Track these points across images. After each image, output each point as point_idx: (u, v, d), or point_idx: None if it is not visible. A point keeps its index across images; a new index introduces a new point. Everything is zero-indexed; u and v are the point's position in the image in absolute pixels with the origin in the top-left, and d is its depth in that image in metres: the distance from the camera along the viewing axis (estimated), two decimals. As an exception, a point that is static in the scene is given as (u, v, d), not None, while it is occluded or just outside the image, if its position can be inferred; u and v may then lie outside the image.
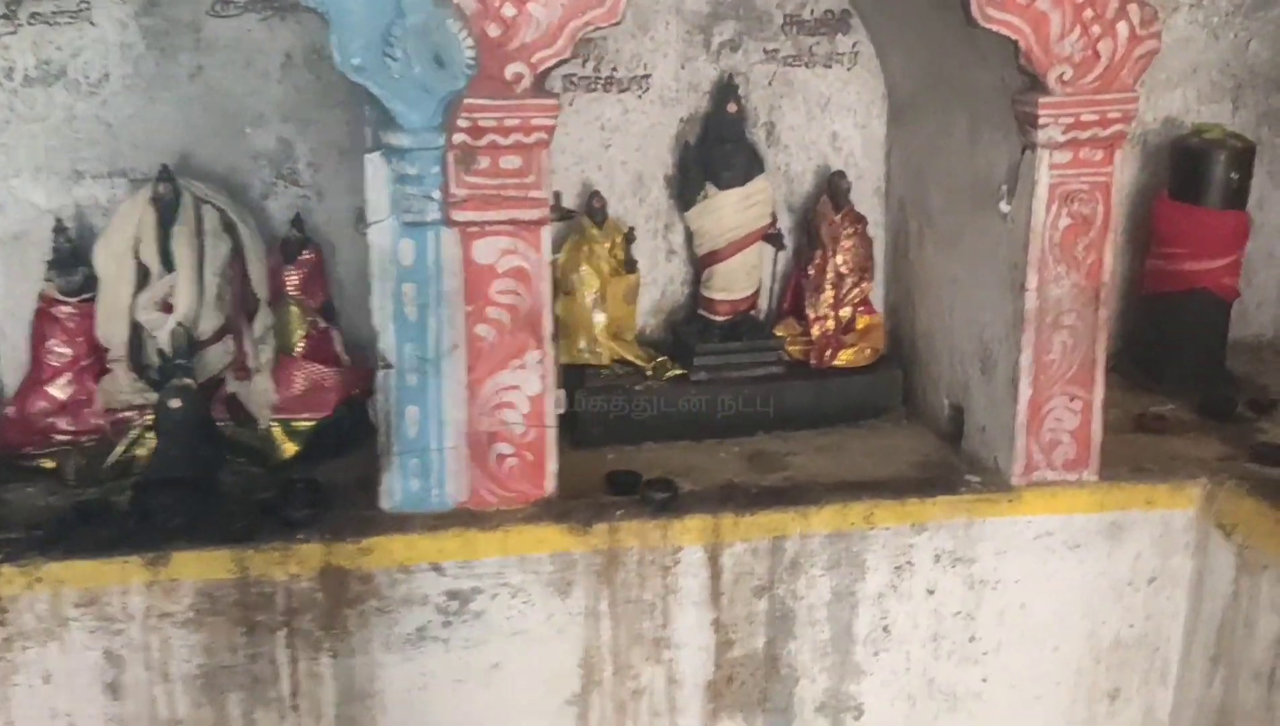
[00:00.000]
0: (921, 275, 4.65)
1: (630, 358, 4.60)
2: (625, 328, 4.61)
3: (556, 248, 4.20)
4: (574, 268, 4.51)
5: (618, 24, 3.32)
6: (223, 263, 4.10)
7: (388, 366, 3.46)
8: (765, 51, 4.71)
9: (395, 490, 3.61)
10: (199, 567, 3.40)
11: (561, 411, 3.78)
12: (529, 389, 3.58)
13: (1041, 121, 3.57)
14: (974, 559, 3.93)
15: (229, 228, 4.13)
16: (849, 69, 4.78)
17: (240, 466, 4.07)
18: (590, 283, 4.50)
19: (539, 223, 3.46)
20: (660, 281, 4.92)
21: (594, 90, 4.64)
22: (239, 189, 4.36)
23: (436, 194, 3.37)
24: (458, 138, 3.32)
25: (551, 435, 3.66)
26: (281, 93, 4.34)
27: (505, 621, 3.63)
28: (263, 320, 4.18)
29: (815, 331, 4.68)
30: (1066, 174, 3.66)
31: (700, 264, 4.73)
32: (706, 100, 4.68)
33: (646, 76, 4.67)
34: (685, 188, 4.62)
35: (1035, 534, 3.96)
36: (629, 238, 4.58)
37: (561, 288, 4.52)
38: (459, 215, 3.39)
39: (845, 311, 4.74)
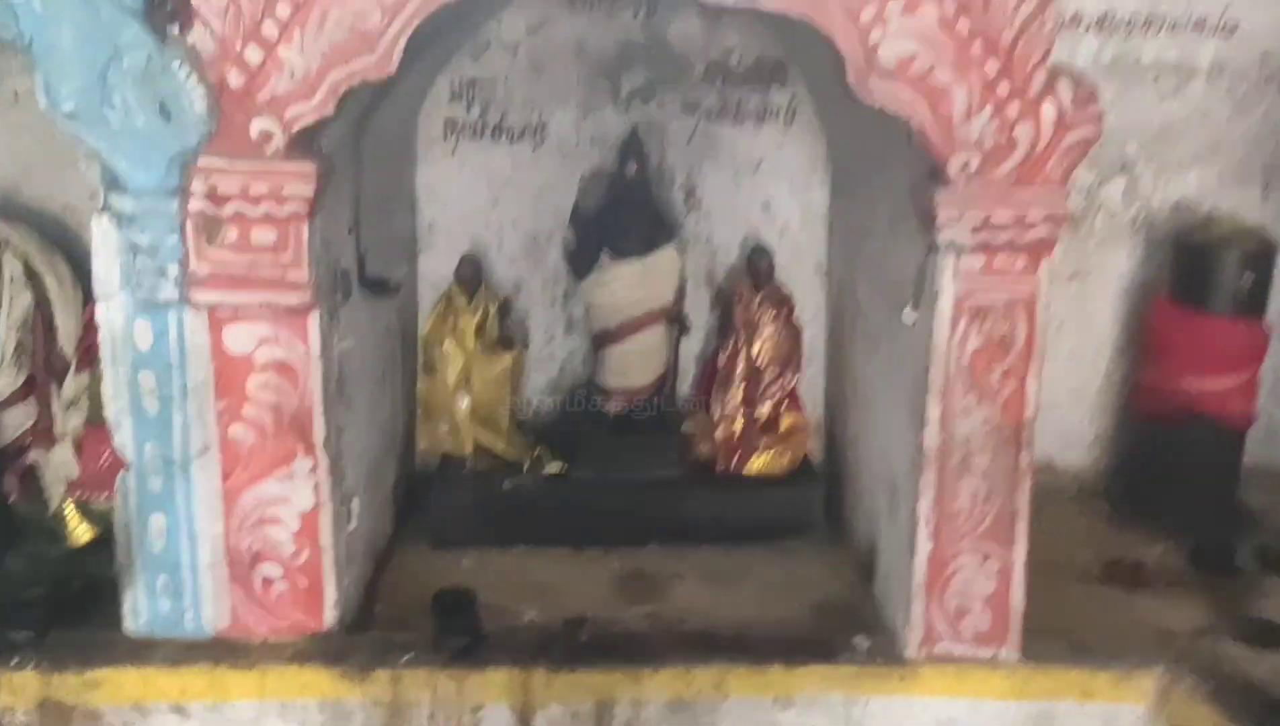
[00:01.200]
0: (851, 373, 3.91)
1: (498, 449, 3.96)
2: (497, 412, 3.97)
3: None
4: (437, 341, 3.90)
5: (392, 76, 2.69)
6: (23, 315, 3.61)
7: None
8: (684, 103, 4.03)
9: (141, 610, 3.06)
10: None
11: (352, 527, 3.17)
12: (299, 503, 2.99)
13: (941, 219, 2.83)
14: (854, 746, 3.19)
15: (32, 277, 3.63)
16: (785, 127, 4.06)
17: (32, 550, 3.59)
18: (454, 360, 3.88)
19: (303, 309, 2.85)
20: (558, 357, 4.28)
21: (479, 138, 4.02)
22: (70, 231, 3.86)
23: (174, 269, 2.80)
24: (195, 204, 2.74)
25: (330, 558, 3.05)
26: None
27: (264, 782, 3.04)
28: (73, 383, 3.68)
29: (720, 433, 3.98)
30: (977, 284, 2.90)
31: (594, 344, 4.07)
32: (613, 155, 4.01)
33: (542, 126, 4.03)
34: (579, 256, 3.96)
35: (935, 721, 3.19)
36: (503, 310, 3.94)
37: (425, 364, 3.93)
38: (201, 295, 2.81)
39: (764, 409, 4.02)
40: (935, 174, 2.85)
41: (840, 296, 4.04)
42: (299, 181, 2.74)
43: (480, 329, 3.91)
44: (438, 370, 3.89)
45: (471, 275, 3.89)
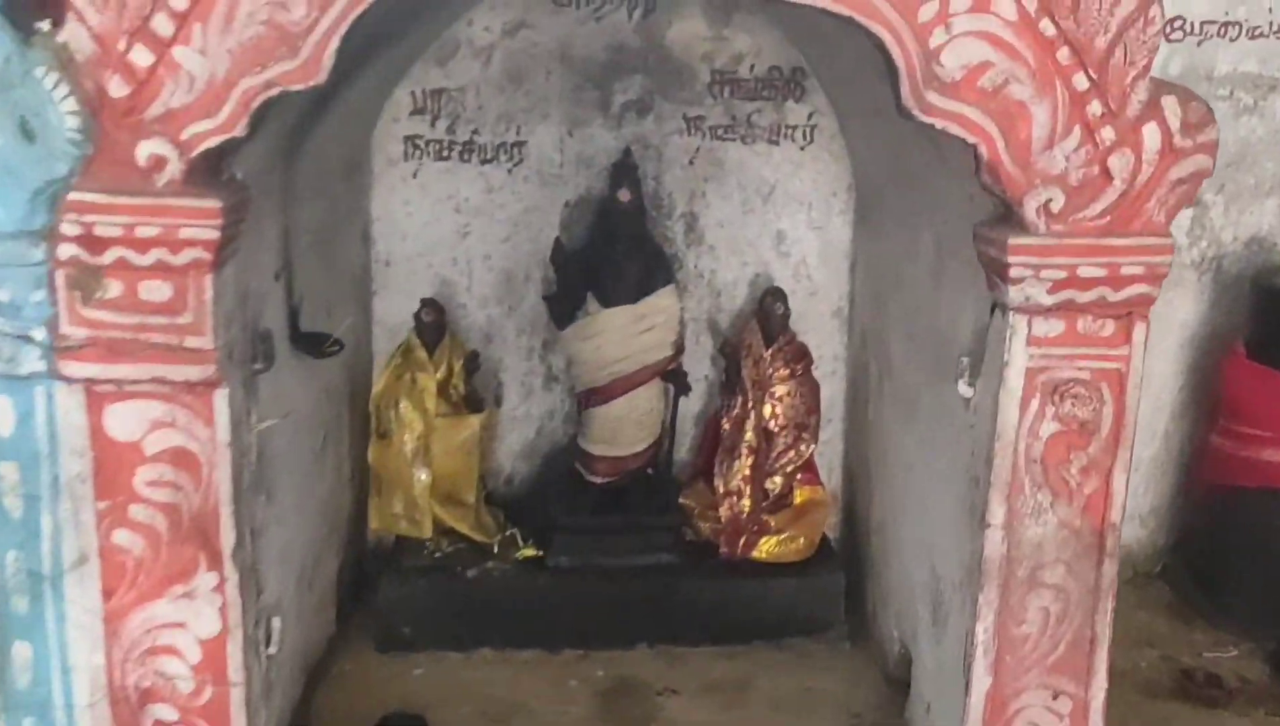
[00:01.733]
0: (879, 442, 3.32)
1: (464, 530, 3.35)
2: (462, 486, 3.37)
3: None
4: (391, 403, 3.29)
5: (319, 85, 2.09)
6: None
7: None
8: (686, 119, 3.44)
9: (5, 756, 2.42)
10: None
11: (271, 651, 2.56)
12: (200, 628, 2.38)
13: (1014, 272, 2.23)
14: None
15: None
16: (802, 147, 3.48)
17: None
18: (410, 425, 3.27)
19: (208, 384, 2.24)
20: (536, 416, 3.67)
21: (446, 158, 3.43)
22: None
23: (40, 333, 2.19)
24: (66, 251, 2.13)
25: (240, 696, 2.43)
26: None
27: None
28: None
29: (724, 510, 3.37)
30: (1055, 354, 2.32)
31: (578, 403, 3.47)
32: (602, 180, 3.42)
33: (520, 144, 3.43)
34: (560, 300, 3.36)
35: None
36: (470, 365, 3.33)
37: (377, 428, 3.32)
38: (76, 367, 2.21)
39: (775, 482, 3.42)
40: (1007, 215, 2.26)
41: (865, 347, 3.45)
42: (200, 221, 2.13)
43: (443, 387, 3.30)
44: (392, 436, 3.28)
45: (433, 322, 3.28)
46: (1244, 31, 3.51)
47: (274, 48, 2.05)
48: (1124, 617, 3.45)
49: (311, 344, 2.79)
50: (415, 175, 3.42)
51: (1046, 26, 2.11)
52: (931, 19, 2.10)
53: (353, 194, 3.28)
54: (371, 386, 3.36)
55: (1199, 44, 3.50)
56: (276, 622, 2.59)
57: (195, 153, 2.10)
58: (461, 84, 3.35)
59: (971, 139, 2.17)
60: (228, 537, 2.35)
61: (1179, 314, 3.65)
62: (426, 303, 3.28)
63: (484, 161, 3.43)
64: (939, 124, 2.16)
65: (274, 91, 2.07)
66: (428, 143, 3.40)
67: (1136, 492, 3.75)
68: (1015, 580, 2.42)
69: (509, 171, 3.45)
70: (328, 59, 2.06)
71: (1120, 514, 2.41)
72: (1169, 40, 3.46)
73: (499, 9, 3.29)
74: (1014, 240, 2.22)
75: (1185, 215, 3.62)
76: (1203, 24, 3.50)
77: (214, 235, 2.14)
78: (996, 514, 2.40)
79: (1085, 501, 2.39)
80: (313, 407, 2.98)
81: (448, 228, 3.47)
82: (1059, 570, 2.43)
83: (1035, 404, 2.34)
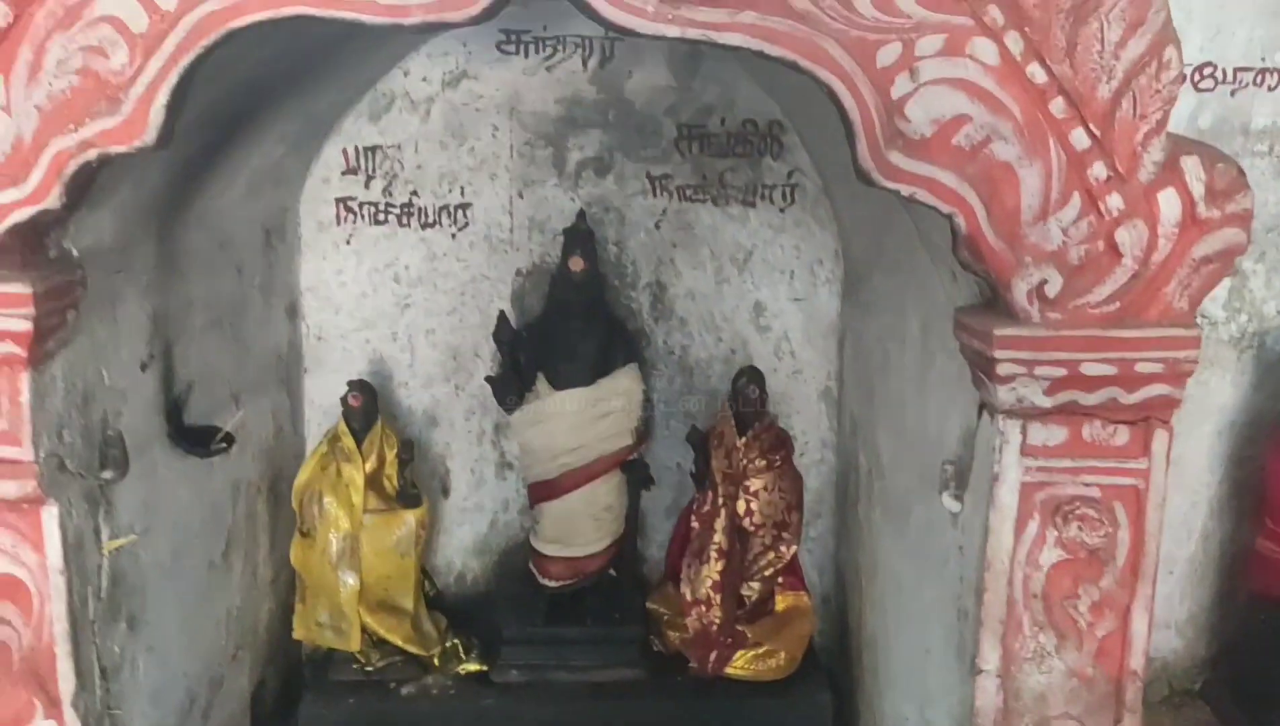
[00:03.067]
0: (870, 547, 2.89)
1: (397, 641, 2.95)
2: (396, 591, 2.97)
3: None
4: (314, 499, 2.91)
5: (151, 148, 1.73)
6: None
7: None
8: (650, 177, 3.08)
9: None
10: None
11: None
12: (34, 786, 1.98)
13: (1002, 369, 1.82)
14: None
15: None
16: (782, 209, 3.10)
17: None
18: (335, 522, 2.89)
19: (32, 501, 1.87)
20: (488, 507, 3.29)
21: (383, 222, 3.08)
22: None
23: None
24: None
25: None
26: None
27: None
28: None
29: (693, 621, 2.95)
30: (1056, 467, 1.90)
31: (529, 496, 3.08)
32: (558, 246, 3.05)
33: (464, 206, 3.08)
34: (506, 381, 2.98)
35: None
36: (404, 454, 2.95)
37: (300, 526, 2.94)
38: None
39: (751, 587, 3.01)
40: (993, 300, 1.85)
41: (855, 435, 3.04)
42: (8, 309, 1.77)
43: (374, 479, 2.92)
44: (315, 535, 2.90)
45: (362, 407, 2.90)
46: (1287, 76, 3.09)
47: (91, 102, 1.71)
48: (1159, 740, 3.00)
49: (199, 441, 2.43)
50: (349, 241, 3.08)
51: (1036, 72, 1.72)
52: (893, 64, 1.71)
53: (273, 263, 2.93)
54: (297, 477, 2.98)
55: (1233, 93, 3.06)
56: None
57: (1, 228, 1.75)
58: (398, 140, 3.01)
59: (945, 208, 1.77)
60: (66, 681, 1.98)
61: (1216, 397, 3.19)
62: (353, 385, 2.91)
63: (425, 225, 3.08)
64: (905, 190, 1.76)
65: (91, 154, 1.72)
66: (362, 205, 3.06)
67: (1172, 599, 3.29)
68: (1013, 739, 1.99)
69: (453, 236, 3.09)
70: (156, 115, 1.71)
71: (1142, 660, 1.97)
72: (1198, 89, 3.04)
73: (436, 58, 2.95)
74: (1000, 331, 1.81)
75: (1222, 286, 3.17)
76: (1237, 71, 3.07)
77: (26, 326, 1.78)
78: (989, 658, 1.97)
79: (1098, 645, 1.96)
80: (211, 510, 2.61)
81: (386, 299, 3.12)
82: (1068, 727, 1.99)
83: (1034, 526, 1.92)
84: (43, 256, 1.86)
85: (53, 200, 1.74)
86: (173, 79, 1.71)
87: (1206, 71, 3.06)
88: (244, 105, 2.28)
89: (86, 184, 1.78)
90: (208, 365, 2.55)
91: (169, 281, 2.34)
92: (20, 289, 1.76)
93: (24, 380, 1.83)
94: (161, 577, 2.32)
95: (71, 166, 1.73)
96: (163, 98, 1.71)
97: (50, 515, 1.91)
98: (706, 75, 3.00)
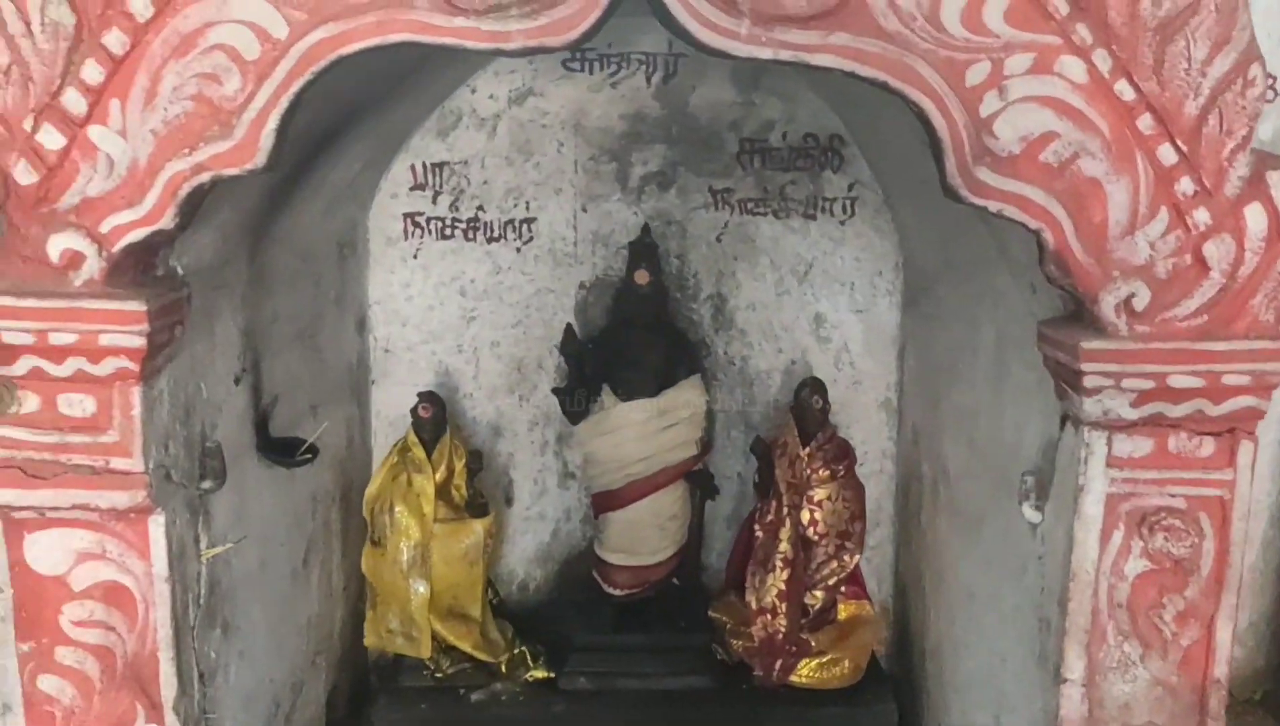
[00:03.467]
0: (935, 556, 2.92)
1: (467, 648, 3.00)
2: (465, 599, 3.02)
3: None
4: (385, 508, 2.96)
5: (261, 171, 1.79)
6: None
7: None
8: (713, 191, 3.12)
9: None
10: None
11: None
12: (137, 789, 2.04)
13: (1089, 382, 1.86)
14: None
15: None
16: (842, 222, 3.13)
17: None
18: (406, 531, 2.94)
19: (140, 510, 1.93)
20: (550, 516, 3.34)
21: (449, 236, 3.13)
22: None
23: (-52, 454, 1.90)
24: (-28, 361, 1.85)
25: None
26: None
27: None
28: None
29: (757, 630, 2.98)
30: (1142, 478, 1.93)
31: (593, 506, 3.12)
32: (621, 259, 3.10)
33: (529, 221, 3.13)
34: (572, 393, 3.02)
35: None
36: (473, 465, 3.00)
37: (371, 535, 2.99)
38: (-14, 493, 1.91)
39: (815, 596, 3.04)
40: (1078, 313, 1.88)
41: (917, 445, 3.07)
42: (123, 326, 1.83)
43: (443, 489, 2.97)
44: (386, 544, 2.95)
45: (431, 418, 2.95)
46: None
47: (204, 127, 1.77)
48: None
49: (284, 452, 2.48)
50: (416, 255, 3.13)
51: (1124, 89, 1.76)
52: (982, 82, 1.75)
53: (346, 278, 2.99)
54: (367, 486, 3.04)
55: (1294, 104, 3.09)
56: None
57: (117, 247, 1.81)
58: (465, 156, 3.06)
59: (1033, 224, 1.80)
60: (168, 686, 2.04)
61: (1277, 406, 3.20)
62: (423, 396, 2.96)
63: (491, 240, 3.13)
64: (993, 206, 1.80)
65: (204, 177, 1.78)
66: (429, 220, 3.11)
67: (1231, 605, 3.30)
68: (1097, 747, 2.01)
69: (518, 251, 3.14)
70: (266, 139, 1.77)
71: (1225, 669, 1.99)
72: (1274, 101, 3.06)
73: (503, 76, 3.00)
74: (1088, 344, 1.84)
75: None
76: (1297, 80, 3.10)
77: (139, 342, 1.84)
78: (1074, 667, 2.00)
79: (1183, 654, 1.99)
80: (293, 519, 2.67)
81: (452, 312, 3.17)
82: (1151, 735, 2.01)
83: (1119, 537, 1.95)
84: (151, 275, 1.92)
85: (167, 221, 1.80)
86: (283, 104, 1.76)
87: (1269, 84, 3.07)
88: (331, 125, 2.34)
89: (197, 205, 1.84)
90: (290, 378, 2.61)
91: (258, 297, 2.40)
92: (136, 306, 1.82)
93: (136, 394, 1.88)
94: (251, 585, 2.37)
95: (185, 189, 1.78)
96: (273, 122, 1.77)
97: (157, 524, 1.97)
98: (768, 89, 3.04)
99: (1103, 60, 1.75)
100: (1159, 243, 1.80)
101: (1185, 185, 1.78)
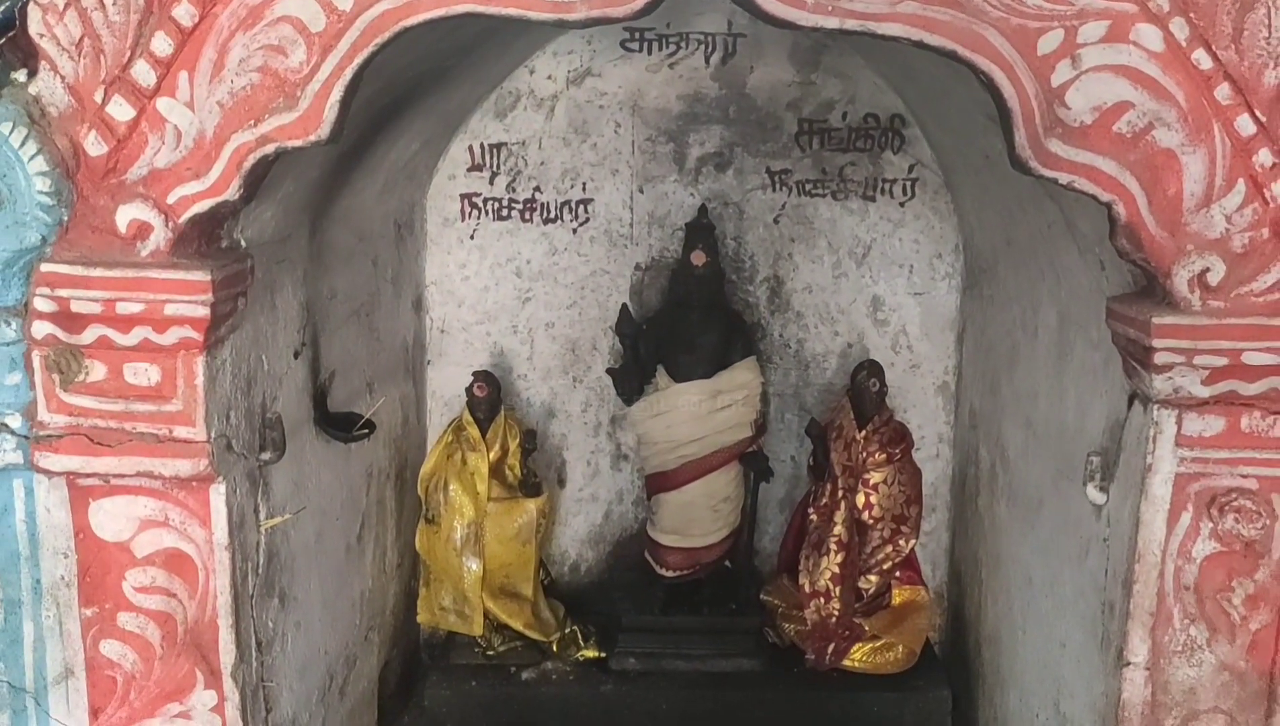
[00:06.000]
0: (992, 541, 2.88)
1: (519, 627, 3.01)
2: (517, 578, 3.03)
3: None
4: (439, 486, 2.98)
5: (324, 142, 1.80)
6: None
7: None
8: (770, 172, 3.10)
9: None
10: None
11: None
12: (196, 753, 2.07)
13: (1160, 358, 1.82)
14: None
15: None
16: (902, 203, 3.10)
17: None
18: (460, 510, 2.95)
19: (200, 479, 1.95)
20: (603, 498, 3.34)
21: (505, 217, 3.14)
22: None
23: (16, 421, 1.95)
24: (42, 328, 1.88)
25: (244, 831, 2.11)
26: None
27: None
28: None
29: (810, 613, 2.97)
30: (1212, 458, 1.89)
31: (646, 487, 3.12)
32: (676, 241, 3.09)
33: (586, 202, 3.13)
34: (627, 374, 3.02)
35: None
36: (527, 444, 3.01)
37: (425, 513, 3.01)
38: (56, 459, 1.95)
39: (869, 580, 3.01)
40: (1150, 288, 1.84)
41: (975, 429, 3.03)
42: (188, 296, 1.85)
43: (497, 468, 2.98)
44: (440, 522, 2.97)
45: (486, 397, 2.97)
46: None
47: (269, 99, 1.78)
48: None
49: (341, 426, 2.50)
50: (473, 236, 3.14)
51: (1201, 58, 1.72)
52: (1054, 51, 1.72)
53: (403, 257, 3.01)
54: (422, 465, 3.05)
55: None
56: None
57: (183, 218, 1.83)
58: (522, 137, 3.07)
59: (1105, 196, 1.77)
60: (227, 653, 2.06)
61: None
62: (479, 376, 2.98)
63: (547, 221, 3.13)
64: (1063, 178, 1.77)
65: (269, 148, 1.79)
66: (486, 201, 3.12)
67: None
68: (1161, 732, 1.98)
69: (574, 232, 3.14)
70: (330, 111, 1.77)
71: (1298, 654, 1.95)
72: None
73: (562, 56, 3.00)
74: (1159, 319, 1.80)
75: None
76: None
77: (203, 312, 1.86)
78: (1138, 650, 1.96)
79: (1251, 638, 1.94)
80: (349, 494, 2.69)
81: (508, 292, 3.18)
82: (1218, 722, 1.97)
83: (1187, 518, 1.91)
84: (216, 247, 1.94)
85: (232, 192, 1.82)
86: (347, 76, 1.77)
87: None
88: (392, 103, 2.35)
89: (262, 177, 1.85)
90: (347, 355, 2.63)
91: (317, 273, 2.41)
92: (200, 276, 1.84)
93: (199, 364, 1.90)
94: (307, 557, 2.39)
95: (250, 160, 1.80)
96: (337, 94, 1.78)
97: (218, 493, 1.99)
98: (828, 69, 3.01)
99: (1180, 28, 1.71)
100: (1235, 216, 1.76)
101: (1264, 156, 1.74)
